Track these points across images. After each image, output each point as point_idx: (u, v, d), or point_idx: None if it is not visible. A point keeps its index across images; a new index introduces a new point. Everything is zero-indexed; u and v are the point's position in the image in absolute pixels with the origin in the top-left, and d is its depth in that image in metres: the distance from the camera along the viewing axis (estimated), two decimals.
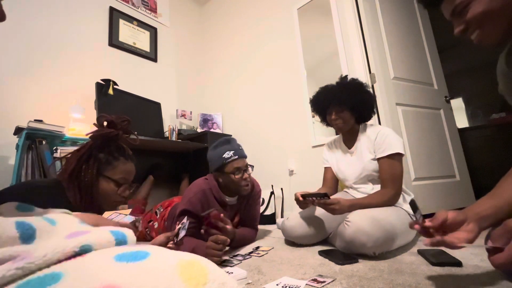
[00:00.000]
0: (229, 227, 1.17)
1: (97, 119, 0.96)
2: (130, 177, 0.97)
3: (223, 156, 1.25)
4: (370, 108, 1.34)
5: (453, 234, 0.64)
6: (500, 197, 0.68)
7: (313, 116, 1.49)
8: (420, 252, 0.98)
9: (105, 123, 0.96)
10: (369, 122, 1.40)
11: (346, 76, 1.40)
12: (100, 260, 0.23)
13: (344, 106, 1.29)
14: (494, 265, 0.61)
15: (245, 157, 1.31)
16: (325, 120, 1.41)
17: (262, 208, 2.25)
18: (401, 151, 1.21)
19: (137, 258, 0.23)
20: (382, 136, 1.25)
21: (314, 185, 1.46)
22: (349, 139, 1.40)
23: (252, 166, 1.34)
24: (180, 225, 1.02)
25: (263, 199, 2.29)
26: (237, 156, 1.26)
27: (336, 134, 1.58)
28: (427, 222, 0.66)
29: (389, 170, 1.20)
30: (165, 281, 0.20)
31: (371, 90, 1.37)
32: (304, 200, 1.18)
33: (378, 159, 1.24)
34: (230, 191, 1.31)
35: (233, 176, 1.24)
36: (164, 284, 0.20)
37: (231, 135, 2.68)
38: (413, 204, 0.75)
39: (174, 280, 0.21)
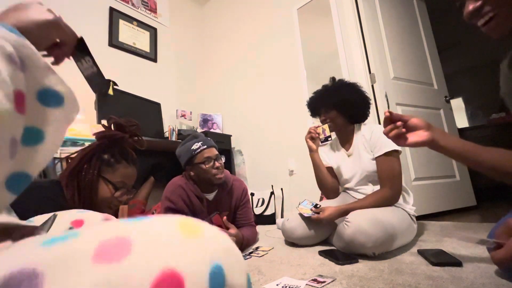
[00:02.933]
0: (233, 231, 1.17)
1: (107, 120, 0.97)
2: (130, 182, 0.96)
3: (192, 148, 1.26)
4: (358, 106, 1.31)
5: (409, 133, 0.76)
6: (475, 147, 0.72)
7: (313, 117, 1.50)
8: (420, 252, 0.98)
9: (112, 126, 0.96)
10: (366, 122, 1.40)
11: (334, 77, 1.42)
12: (112, 223, 0.27)
13: (329, 105, 1.33)
14: (494, 261, 0.62)
15: (214, 146, 1.30)
16: None
17: (262, 209, 2.25)
18: (398, 148, 1.19)
19: (143, 219, 0.27)
20: (376, 134, 1.24)
21: (314, 185, 1.46)
22: (344, 140, 1.40)
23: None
24: None
25: (263, 199, 2.29)
26: (205, 146, 1.27)
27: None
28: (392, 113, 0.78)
29: (387, 169, 1.19)
30: (167, 231, 0.24)
31: (364, 89, 1.36)
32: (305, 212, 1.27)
33: (376, 158, 1.23)
34: (205, 185, 1.31)
35: (204, 166, 1.25)
36: (166, 232, 0.24)
37: (231, 135, 2.68)
38: None
39: (175, 231, 0.24)
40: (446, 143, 0.73)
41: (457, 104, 4.50)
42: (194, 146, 1.26)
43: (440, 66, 2.34)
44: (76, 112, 0.36)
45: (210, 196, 1.33)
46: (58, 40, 0.41)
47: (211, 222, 1.14)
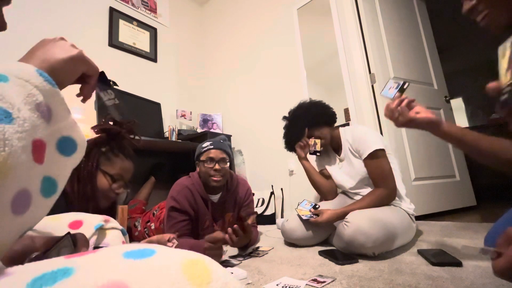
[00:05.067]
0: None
1: (104, 117, 1.01)
2: (126, 175, 0.99)
3: (202, 145, 1.33)
4: (321, 113, 1.37)
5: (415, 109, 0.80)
6: (475, 134, 0.74)
7: None
8: (420, 252, 0.98)
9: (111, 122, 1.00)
10: (356, 123, 1.41)
11: (287, 115, 1.48)
12: (110, 257, 0.24)
13: (305, 132, 1.38)
14: (494, 271, 0.62)
15: (223, 149, 1.31)
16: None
17: (262, 209, 2.25)
18: (380, 147, 1.18)
19: (144, 255, 0.23)
20: (357, 137, 1.25)
21: None
22: (335, 146, 1.41)
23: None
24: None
25: (263, 199, 2.29)
26: (212, 146, 1.30)
27: None
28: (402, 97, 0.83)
29: (375, 170, 1.19)
30: (170, 279, 0.21)
31: (311, 98, 1.46)
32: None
33: (363, 162, 1.23)
34: (208, 186, 1.32)
35: (204, 164, 1.28)
36: (169, 282, 0.21)
37: (231, 136, 2.68)
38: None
39: (179, 278, 0.21)
40: (448, 128, 0.76)
41: (457, 104, 4.51)
42: (204, 144, 1.32)
43: (440, 66, 2.34)
44: (81, 157, 0.36)
45: (215, 198, 1.34)
46: (84, 72, 0.41)
47: (238, 218, 1.13)
